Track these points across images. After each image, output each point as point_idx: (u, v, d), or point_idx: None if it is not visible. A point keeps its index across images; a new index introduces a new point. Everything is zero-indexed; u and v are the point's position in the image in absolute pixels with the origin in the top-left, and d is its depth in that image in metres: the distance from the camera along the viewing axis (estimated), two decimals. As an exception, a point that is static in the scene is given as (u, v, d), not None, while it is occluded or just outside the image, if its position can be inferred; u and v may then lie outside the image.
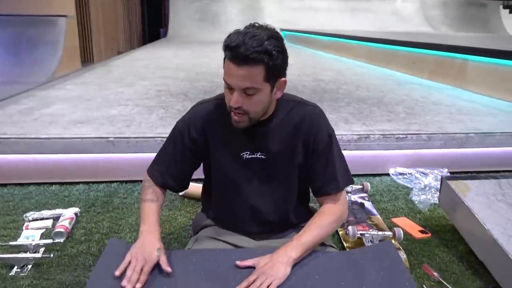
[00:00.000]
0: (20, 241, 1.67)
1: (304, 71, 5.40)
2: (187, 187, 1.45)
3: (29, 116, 2.74)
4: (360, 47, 7.22)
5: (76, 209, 1.92)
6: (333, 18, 14.63)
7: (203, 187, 1.52)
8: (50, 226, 1.81)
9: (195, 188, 2.10)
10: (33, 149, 2.26)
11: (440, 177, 2.31)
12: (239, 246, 1.35)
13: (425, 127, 2.69)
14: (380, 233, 1.67)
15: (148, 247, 1.19)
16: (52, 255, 1.54)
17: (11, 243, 1.63)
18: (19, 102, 3.20)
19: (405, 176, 2.43)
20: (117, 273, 1.13)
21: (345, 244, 1.68)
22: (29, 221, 1.84)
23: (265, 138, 1.29)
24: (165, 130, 2.42)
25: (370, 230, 1.73)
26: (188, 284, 1.16)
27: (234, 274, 1.19)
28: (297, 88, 3.93)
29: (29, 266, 1.50)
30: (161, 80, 4.45)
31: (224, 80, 1.16)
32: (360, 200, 2.07)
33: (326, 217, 1.29)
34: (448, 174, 2.39)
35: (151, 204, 1.32)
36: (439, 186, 2.07)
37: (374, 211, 1.99)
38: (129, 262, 1.15)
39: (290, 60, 1.22)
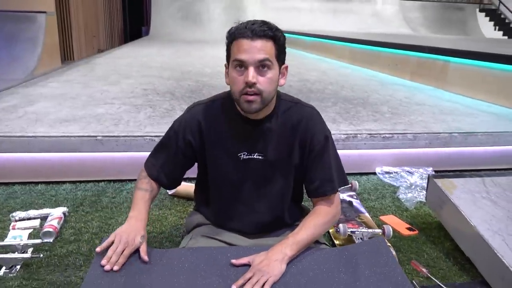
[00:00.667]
0: (8, 241, 1.64)
1: (290, 71, 5.36)
2: (179, 185, 1.48)
3: (13, 114, 2.68)
4: (343, 48, 7.30)
5: (64, 209, 1.90)
6: (315, 18, 14.73)
7: (196, 186, 1.52)
8: (38, 226, 1.78)
9: (185, 187, 2.09)
10: (19, 148, 2.21)
11: (425, 175, 2.38)
12: (234, 245, 1.36)
13: (410, 126, 2.74)
14: (370, 230, 1.71)
15: (133, 232, 1.22)
16: (41, 255, 1.52)
17: (-2, 243, 1.59)
18: (2, 100, 3.12)
19: (391, 175, 2.47)
20: (98, 249, 1.19)
21: (335, 242, 1.70)
22: (16, 221, 1.81)
23: (262, 138, 1.29)
24: (153, 129, 2.40)
25: (360, 227, 1.76)
26: (184, 282, 1.16)
27: (229, 271, 1.20)
28: (284, 88, 3.91)
29: (18, 267, 1.47)
30: (146, 79, 4.41)
31: (235, 61, 1.17)
32: (348, 199, 2.10)
33: (320, 217, 1.31)
34: (433, 173, 2.45)
35: (144, 193, 1.34)
36: (424, 184, 2.13)
37: (363, 209, 2.02)
38: (112, 242, 1.19)
39: (286, 63, 1.25)
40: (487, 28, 15.26)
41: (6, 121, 2.51)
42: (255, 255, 1.21)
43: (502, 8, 14.99)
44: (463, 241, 1.62)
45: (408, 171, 2.48)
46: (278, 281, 1.15)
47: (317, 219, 1.30)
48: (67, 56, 8.53)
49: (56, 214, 1.82)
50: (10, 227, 1.77)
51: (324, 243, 1.41)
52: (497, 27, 14.94)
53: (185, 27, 13.62)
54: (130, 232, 1.22)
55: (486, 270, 1.45)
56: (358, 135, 2.51)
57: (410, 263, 1.57)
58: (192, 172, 1.45)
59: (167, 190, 2.14)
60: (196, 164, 1.42)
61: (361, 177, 2.49)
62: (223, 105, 1.32)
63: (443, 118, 3.04)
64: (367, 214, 1.97)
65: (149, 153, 1.43)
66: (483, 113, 3.29)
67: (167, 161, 1.37)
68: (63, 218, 1.82)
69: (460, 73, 4.29)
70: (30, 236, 1.70)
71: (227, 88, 1.27)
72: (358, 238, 1.67)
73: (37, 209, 1.92)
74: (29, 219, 1.83)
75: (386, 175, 2.47)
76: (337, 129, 2.59)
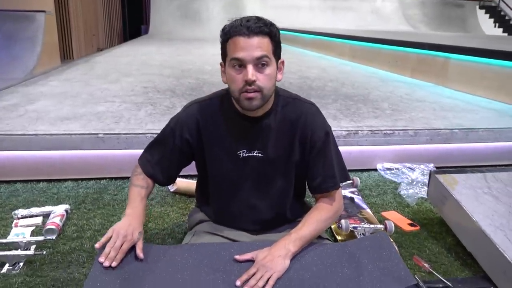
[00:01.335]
0: (10, 238, 1.64)
1: (290, 68, 5.43)
2: (173, 182, 1.48)
3: (14, 113, 2.68)
4: (343, 45, 7.29)
5: (66, 206, 1.90)
6: (315, 16, 14.72)
7: (197, 184, 1.52)
8: (40, 224, 1.78)
9: (186, 184, 2.11)
10: (20, 146, 2.21)
11: (426, 171, 2.38)
12: (237, 241, 1.36)
13: (411, 123, 2.74)
14: (371, 226, 1.71)
15: (130, 227, 1.21)
16: (44, 252, 1.52)
17: (1, 240, 1.59)
18: (2, 99, 3.12)
19: (392, 171, 2.47)
20: (97, 245, 1.18)
21: (337, 237, 1.70)
22: (18, 218, 1.81)
23: (261, 136, 1.29)
24: (154, 127, 2.40)
25: (362, 223, 1.76)
26: (188, 278, 1.16)
27: (233, 267, 1.20)
28: (284, 85, 3.92)
29: (21, 264, 1.47)
30: (147, 77, 4.41)
31: (233, 59, 1.15)
32: (350, 195, 2.10)
33: (323, 212, 1.31)
34: (434, 169, 2.45)
35: (140, 190, 1.33)
36: (426, 180, 2.13)
37: (364, 205, 2.03)
38: (110, 238, 1.19)
39: (282, 58, 1.25)
40: (487, 25, 15.25)
41: (7, 119, 2.51)
42: (258, 250, 1.21)
43: (502, 5, 14.97)
44: (465, 236, 1.62)
45: (409, 167, 2.48)
46: (282, 277, 1.16)
47: (320, 215, 1.30)
48: (67, 55, 8.53)
49: (58, 211, 1.82)
50: (13, 225, 1.77)
51: (327, 238, 1.42)
52: (497, 24, 14.93)
53: (185, 26, 13.60)
54: (128, 227, 1.21)
55: (488, 265, 1.45)
56: (359, 131, 2.51)
57: (412, 258, 1.57)
58: (194, 169, 1.45)
59: (169, 187, 2.15)
60: (194, 161, 1.42)
61: (362, 173, 2.49)
62: (221, 103, 1.31)
63: (444, 115, 3.04)
64: (368, 210, 1.97)
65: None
66: (483, 109, 3.29)
67: (162, 158, 1.36)
68: (65, 216, 1.82)
69: (461, 70, 4.29)
70: (33, 234, 1.70)
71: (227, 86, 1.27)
72: (360, 234, 1.67)
73: (39, 206, 1.92)
74: (32, 216, 1.83)
75: (388, 171, 2.48)
76: (338, 125, 2.59)
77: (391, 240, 1.63)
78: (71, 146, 2.24)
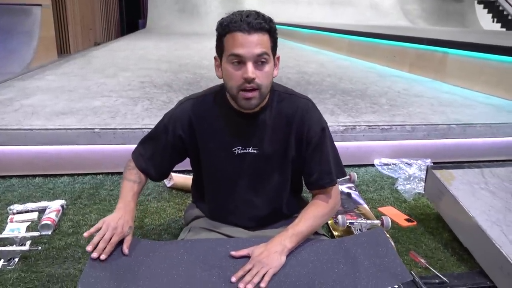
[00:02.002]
0: (6, 234, 1.63)
1: (287, 63, 5.41)
2: (166, 177, 1.47)
3: (9, 107, 2.66)
4: (341, 40, 7.27)
5: (62, 201, 1.89)
6: (313, 11, 14.67)
7: (193, 180, 1.51)
8: (36, 219, 1.77)
9: (183, 179, 2.10)
10: (15, 141, 2.20)
11: (423, 167, 2.38)
12: (233, 237, 1.35)
13: (408, 118, 2.74)
14: (368, 221, 1.70)
15: (121, 221, 1.21)
16: (39, 248, 1.51)
17: (-4, 236, 1.59)
18: (-3, 93, 3.11)
19: (389, 166, 2.47)
20: (86, 234, 1.18)
21: (334, 233, 1.70)
22: (14, 214, 1.80)
23: (257, 132, 1.27)
24: (151, 121, 2.39)
25: (359, 219, 1.76)
26: (184, 274, 1.16)
27: (229, 263, 1.19)
28: (282, 80, 3.94)
29: (16, 259, 1.46)
30: (144, 72, 4.39)
31: (232, 55, 1.13)
32: (347, 190, 2.10)
33: (320, 208, 1.30)
34: (432, 164, 2.45)
35: (133, 185, 1.32)
36: (423, 176, 2.12)
37: (361, 200, 2.02)
38: (100, 229, 1.18)
39: (277, 54, 1.24)
40: (485, 20, 15.23)
41: (2, 114, 2.50)
42: (254, 247, 1.21)
43: (500, 0, 14.94)
44: (461, 231, 1.62)
45: (406, 163, 2.48)
46: (278, 273, 1.15)
47: (316, 211, 1.30)
48: (64, 49, 8.47)
49: (54, 207, 1.81)
50: (8, 220, 1.76)
51: (323, 234, 1.41)
52: (495, 19, 14.91)
53: (182, 20, 13.55)
54: (119, 220, 1.20)
55: (484, 260, 1.45)
56: (357, 127, 2.50)
57: (408, 254, 1.57)
58: (190, 165, 1.44)
59: (165, 183, 2.14)
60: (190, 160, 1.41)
61: (359, 168, 2.49)
62: (215, 99, 1.29)
63: (442, 110, 3.03)
64: (365, 206, 1.97)
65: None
66: (481, 104, 3.29)
67: (155, 154, 1.34)
68: (61, 211, 1.81)
69: (459, 65, 4.28)
70: (28, 229, 1.70)
71: None
72: (357, 229, 1.67)
73: (35, 202, 1.91)
74: (27, 212, 1.82)
75: (385, 167, 2.47)
76: (335, 121, 2.59)
77: (388, 235, 1.64)
78: (67, 141, 2.23)
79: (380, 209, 1.99)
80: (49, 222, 1.68)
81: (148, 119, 2.46)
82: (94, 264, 1.14)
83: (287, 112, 1.28)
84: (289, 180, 1.36)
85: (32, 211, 1.83)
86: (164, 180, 2.11)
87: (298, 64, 5.44)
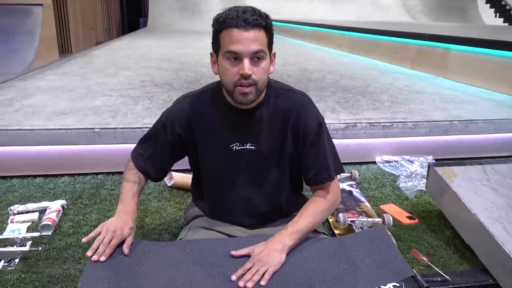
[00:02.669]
0: (6, 234, 1.63)
1: (288, 60, 5.40)
2: (164, 177, 1.46)
3: (10, 107, 2.66)
4: (342, 37, 7.24)
5: (62, 202, 1.89)
6: (314, 7, 14.65)
7: (192, 179, 1.50)
8: (37, 219, 1.77)
9: (183, 178, 2.09)
10: (16, 141, 2.20)
11: (425, 164, 2.36)
12: (232, 236, 1.34)
13: (410, 115, 2.72)
14: (369, 219, 1.70)
15: (120, 223, 1.20)
16: (40, 248, 1.51)
17: (-4, 236, 1.59)
18: (-2, 93, 3.11)
19: (391, 163, 2.46)
20: (84, 240, 1.18)
21: (335, 231, 1.69)
22: (14, 214, 1.80)
23: (254, 128, 1.27)
24: (151, 121, 2.37)
25: (360, 217, 1.75)
26: (184, 274, 1.15)
27: (229, 262, 1.19)
28: (282, 77, 3.92)
29: (17, 260, 1.46)
30: (145, 70, 4.38)
31: (229, 52, 1.12)
32: (348, 188, 2.09)
33: (319, 204, 1.29)
34: (433, 161, 2.43)
35: (132, 185, 1.31)
36: (424, 173, 2.11)
37: (363, 198, 2.01)
38: (99, 233, 1.18)
39: (274, 50, 1.23)
40: (487, 15, 15.15)
41: (3, 114, 2.50)
42: (254, 245, 1.20)
43: (503, -6, 14.87)
44: (463, 229, 1.61)
45: (408, 160, 2.46)
46: (278, 271, 1.14)
47: (316, 207, 1.29)
48: (65, 48, 8.50)
49: (54, 207, 1.81)
50: (9, 221, 1.76)
51: (324, 233, 1.40)
52: (497, 14, 14.83)
53: (183, 18, 13.55)
54: (118, 223, 1.20)
55: (487, 258, 1.44)
56: (358, 124, 2.49)
57: (410, 251, 1.56)
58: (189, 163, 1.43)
59: (166, 182, 2.13)
60: (188, 158, 1.40)
61: (361, 166, 2.48)
62: (213, 96, 1.29)
63: (444, 106, 3.01)
64: (367, 203, 1.96)
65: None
66: (483, 100, 3.27)
67: (154, 153, 1.34)
68: (61, 211, 1.81)
69: (461, 61, 4.26)
70: (29, 230, 1.70)
71: None
72: (358, 228, 1.66)
73: (35, 202, 1.91)
74: (28, 212, 1.82)
75: (386, 164, 2.46)
76: (336, 118, 2.58)
77: (389, 233, 1.63)
78: (67, 141, 2.23)
79: (382, 206, 1.98)
80: (49, 223, 1.68)
81: (149, 118, 2.45)
82: (94, 264, 1.14)
83: (284, 108, 1.27)
84: (288, 177, 1.35)
85: (32, 211, 1.83)
86: (165, 179, 2.11)
87: (299, 61, 5.42)
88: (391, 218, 1.65)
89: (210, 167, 1.33)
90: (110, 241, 1.16)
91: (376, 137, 2.52)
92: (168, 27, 12.41)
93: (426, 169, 1.88)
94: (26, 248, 1.50)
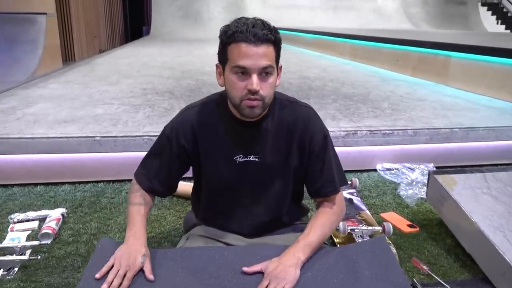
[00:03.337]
0: (6, 243, 1.63)
1: (289, 68, 5.41)
2: (174, 191, 1.43)
3: (11, 116, 2.68)
4: (344, 44, 7.26)
5: (62, 210, 1.89)
6: (316, 15, 14.69)
7: (193, 189, 1.49)
8: (36, 228, 1.77)
9: (184, 187, 2.08)
10: (17, 149, 2.21)
11: (426, 171, 2.36)
12: (231, 244, 1.34)
13: (411, 122, 2.72)
14: (369, 228, 1.69)
15: (133, 252, 1.17)
16: (39, 257, 1.51)
17: (-4, 245, 1.59)
18: (0, 102, 3.12)
19: (392, 171, 2.45)
20: (98, 276, 1.12)
21: (335, 240, 1.69)
22: (14, 222, 1.80)
23: (258, 140, 1.26)
24: (152, 129, 2.39)
25: (360, 225, 1.74)
26: (182, 282, 1.15)
27: (226, 272, 1.18)
28: (283, 85, 3.94)
29: (16, 269, 1.46)
30: (146, 79, 4.40)
31: (237, 67, 1.11)
32: (349, 196, 2.08)
33: (327, 215, 1.29)
34: (434, 169, 2.43)
35: (139, 208, 1.28)
36: (425, 180, 2.10)
37: (363, 206, 2.01)
38: (112, 266, 1.14)
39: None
40: (489, 22, 15.17)
41: (4, 123, 2.51)
42: (268, 261, 1.18)
43: (504, 2, 14.89)
44: (464, 237, 1.60)
45: (409, 168, 2.46)
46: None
47: (325, 219, 1.28)
48: (69, 57, 8.54)
49: (54, 215, 1.81)
50: (9, 229, 1.76)
51: (324, 243, 1.40)
52: (499, 21, 14.85)
53: (186, 26, 13.61)
54: (130, 253, 1.16)
55: (487, 267, 1.43)
56: (358, 131, 2.49)
57: (411, 260, 1.55)
58: (190, 172, 1.43)
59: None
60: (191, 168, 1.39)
61: (361, 174, 2.47)
62: (216, 107, 1.28)
63: (444, 114, 3.01)
64: (367, 212, 1.95)
65: (146, 153, 1.38)
66: (484, 107, 3.26)
67: (160, 168, 1.31)
68: (61, 220, 1.81)
69: (462, 68, 4.26)
70: (28, 238, 1.70)
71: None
72: (358, 236, 1.65)
73: (36, 210, 1.91)
74: (28, 220, 1.82)
75: (387, 172, 2.45)
76: (337, 126, 2.57)
77: (390, 242, 1.62)
78: (68, 149, 2.23)
79: (382, 214, 1.97)
80: (49, 231, 1.68)
81: (149, 127, 2.46)
82: (90, 273, 1.14)
83: (289, 120, 1.27)
84: (290, 188, 1.35)
85: (32, 219, 1.83)
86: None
87: (300, 69, 5.44)
88: (391, 227, 1.64)
89: (213, 178, 1.32)
90: (125, 274, 1.13)
91: (377, 145, 2.52)
92: (171, 35, 12.48)
93: (427, 177, 1.87)
94: (26, 257, 1.49)
